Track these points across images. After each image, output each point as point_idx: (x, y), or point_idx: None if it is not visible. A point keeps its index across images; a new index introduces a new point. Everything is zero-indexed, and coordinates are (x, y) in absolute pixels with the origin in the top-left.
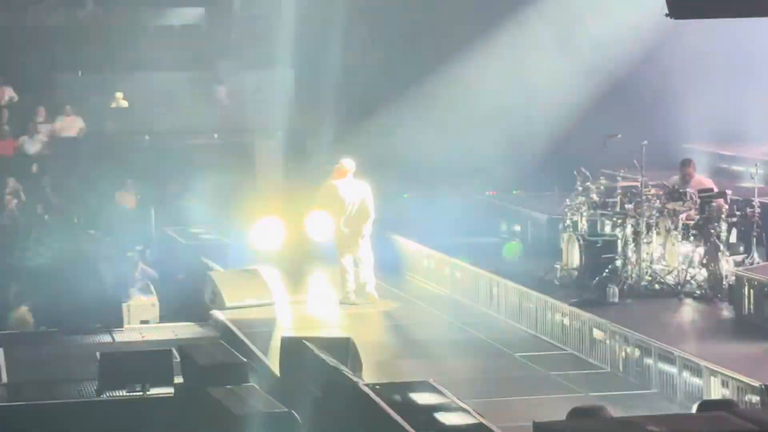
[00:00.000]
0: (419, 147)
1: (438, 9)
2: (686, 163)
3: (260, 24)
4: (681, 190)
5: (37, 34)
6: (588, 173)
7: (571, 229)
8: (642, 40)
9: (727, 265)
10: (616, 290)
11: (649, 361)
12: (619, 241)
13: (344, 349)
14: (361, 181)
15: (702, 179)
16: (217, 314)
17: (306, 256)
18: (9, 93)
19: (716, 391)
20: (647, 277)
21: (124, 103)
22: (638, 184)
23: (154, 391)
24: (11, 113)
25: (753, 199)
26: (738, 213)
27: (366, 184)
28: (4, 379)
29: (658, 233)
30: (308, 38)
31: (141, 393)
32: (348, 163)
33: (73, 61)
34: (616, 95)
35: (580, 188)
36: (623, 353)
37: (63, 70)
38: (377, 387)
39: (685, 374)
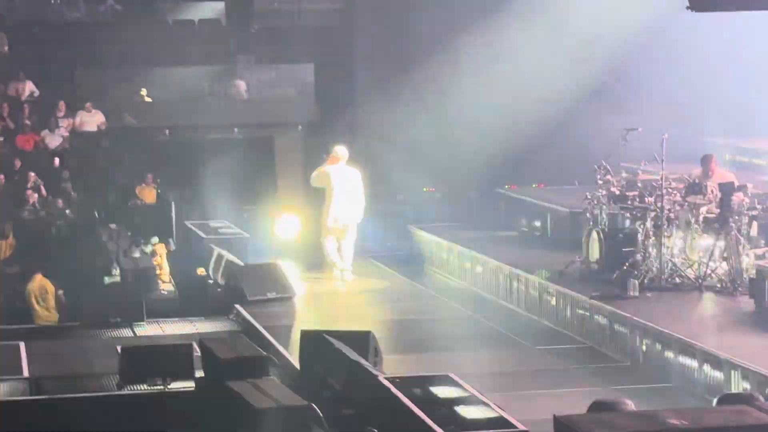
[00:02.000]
0: (438, 141)
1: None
2: (708, 158)
3: (280, 18)
4: (701, 184)
5: (57, 30)
6: (608, 167)
7: (591, 223)
8: (663, 30)
9: (747, 258)
10: (637, 284)
11: (669, 354)
12: (639, 235)
13: (364, 342)
14: (353, 168)
15: (724, 173)
16: (238, 308)
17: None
18: (30, 88)
19: (737, 385)
20: (668, 271)
21: (148, 99)
22: (659, 177)
23: (174, 385)
24: (32, 108)
25: None
26: (759, 206)
27: (357, 172)
28: (26, 373)
29: (678, 227)
30: (328, 32)
31: (162, 387)
32: (340, 151)
33: (94, 56)
34: (635, 87)
35: (601, 182)
36: (643, 347)
37: (83, 65)
38: (397, 380)
39: (706, 367)
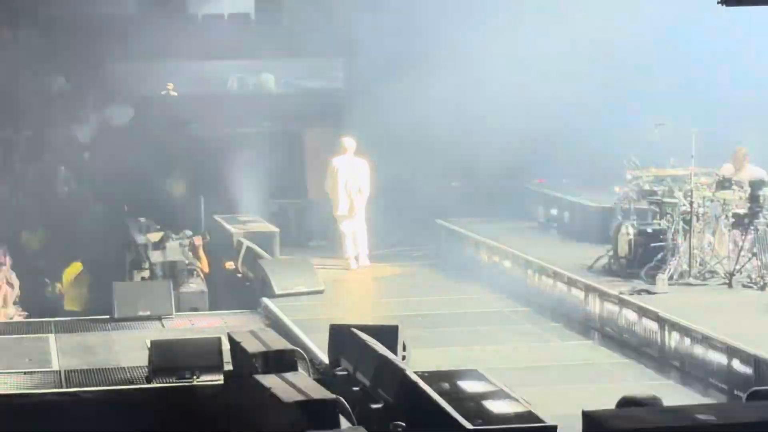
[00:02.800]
0: (465, 134)
1: None
2: (738, 154)
3: (309, 12)
4: (731, 179)
5: (87, 23)
6: (638, 161)
7: (620, 218)
8: (693, 22)
9: None
10: (666, 279)
11: (698, 350)
12: (668, 230)
13: (393, 336)
14: (361, 159)
15: (754, 169)
16: (266, 302)
17: None
18: (60, 81)
19: (767, 380)
20: (697, 266)
21: (174, 94)
22: (688, 172)
23: (203, 379)
24: (62, 101)
25: None
26: None
27: (365, 162)
28: (56, 366)
29: (707, 222)
30: (359, 25)
31: (191, 380)
32: (347, 142)
33: (123, 50)
34: (663, 81)
35: (630, 177)
36: (672, 342)
37: (113, 58)
38: (426, 375)
39: (735, 363)
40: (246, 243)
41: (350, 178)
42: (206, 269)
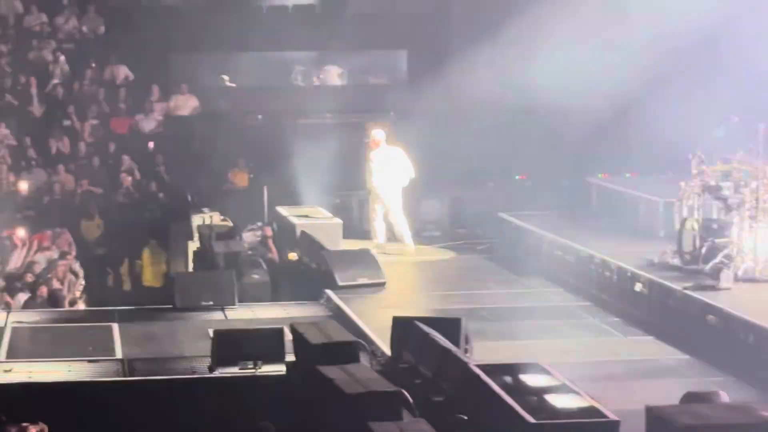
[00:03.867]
0: (529, 128)
1: None
2: None
3: (374, 4)
4: None
5: (152, 14)
6: (703, 157)
7: (685, 213)
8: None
9: None
10: (731, 275)
11: (764, 346)
12: (734, 226)
13: (455, 329)
14: (395, 147)
15: None
16: (329, 293)
17: (415, 238)
18: (124, 72)
19: None
20: (762, 262)
21: (231, 85)
22: (754, 168)
23: (265, 369)
24: (127, 92)
25: None
26: None
27: (399, 150)
28: (119, 354)
29: None
30: (421, 18)
31: (253, 370)
32: (377, 135)
33: (188, 41)
34: (731, 77)
35: (695, 172)
36: (737, 338)
37: (177, 49)
38: (488, 368)
39: None
40: (309, 234)
41: (386, 170)
42: (277, 259)
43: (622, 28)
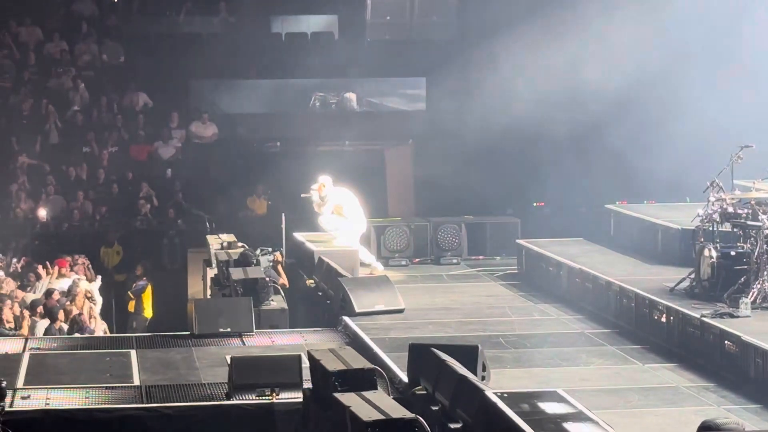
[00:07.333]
0: (548, 155)
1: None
2: None
3: (392, 31)
4: None
5: (171, 41)
6: (721, 184)
7: (703, 240)
8: None
9: None
10: (749, 303)
11: None
12: (752, 253)
13: (472, 356)
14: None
15: None
16: (346, 320)
17: (433, 263)
18: (144, 99)
19: None
20: None
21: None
22: None
23: (283, 396)
24: (146, 119)
25: None
26: None
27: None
28: (137, 381)
29: None
30: (440, 45)
31: (270, 398)
32: (324, 180)
33: (207, 68)
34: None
35: (713, 199)
36: (755, 366)
37: (196, 76)
38: (505, 395)
39: None
40: (326, 261)
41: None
42: (287, 284)
43: (641, 52)
